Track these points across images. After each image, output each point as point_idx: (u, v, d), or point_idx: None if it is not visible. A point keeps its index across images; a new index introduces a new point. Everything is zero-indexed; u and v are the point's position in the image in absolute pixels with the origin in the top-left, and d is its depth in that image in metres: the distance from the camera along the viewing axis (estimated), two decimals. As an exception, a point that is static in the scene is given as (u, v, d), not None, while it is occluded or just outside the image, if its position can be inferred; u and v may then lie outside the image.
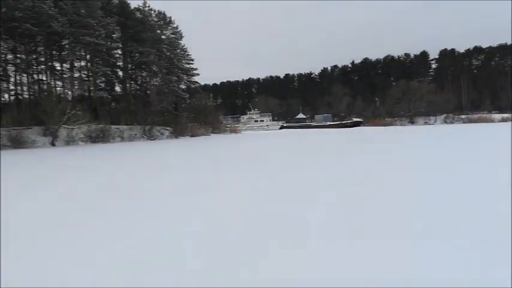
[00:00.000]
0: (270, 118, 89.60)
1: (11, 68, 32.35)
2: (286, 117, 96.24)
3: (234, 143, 27.07)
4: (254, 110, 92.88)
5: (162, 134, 38.99)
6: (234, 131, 60.67)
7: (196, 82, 52.43)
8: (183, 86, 48.80)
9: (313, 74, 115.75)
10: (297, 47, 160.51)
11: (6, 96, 32.71)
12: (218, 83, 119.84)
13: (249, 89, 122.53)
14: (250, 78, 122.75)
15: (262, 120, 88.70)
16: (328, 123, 73.97)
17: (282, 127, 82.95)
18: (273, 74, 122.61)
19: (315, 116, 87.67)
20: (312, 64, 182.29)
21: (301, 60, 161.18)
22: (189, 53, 49.27)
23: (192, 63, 49.95)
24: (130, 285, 2.49)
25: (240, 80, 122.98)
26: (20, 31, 28.67)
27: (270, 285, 2.40)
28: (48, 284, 2.60)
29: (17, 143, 24.82)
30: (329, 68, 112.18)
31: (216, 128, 55.01)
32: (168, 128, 40.33)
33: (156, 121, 37.58)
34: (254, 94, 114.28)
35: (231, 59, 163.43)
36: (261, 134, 50.44)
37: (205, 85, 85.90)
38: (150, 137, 36.49)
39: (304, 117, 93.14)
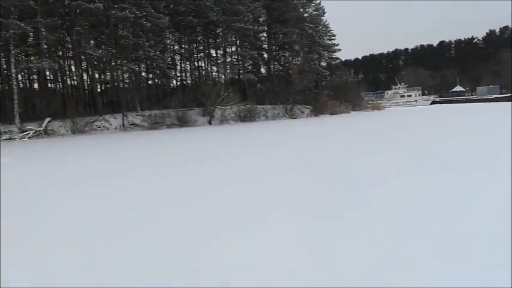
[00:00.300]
0: (419, 92, 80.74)
1: (177, 58, 37.91)
2: (440, 90, 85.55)
3: (370, 120, 25.46)
4: (400, 84, 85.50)
5: (302, 112, 39.91)
6: (376, 107, 57.40)
7: (337, 58, 51.23)
8: (323, 63, 48.36)
9: (476, 39, 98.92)
10: (455, 9, 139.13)
11: (174, 82, 38.52)
12: (360, 57, 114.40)
13: (394, 61, 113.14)
14: (396, 49, 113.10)
15: (410, 95, 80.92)
16: (493, 96, 62.55)
17: (433, 102, 73.25)
18: (424, 43, 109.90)
19: (477, 88, 75.24)
20: (475, 27, 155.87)
21: (459, 25, 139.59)
22: (331, 29, 48.29)
23: (333, 39, 48.92)
24: None
25: (385, 52, 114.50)
26: (184, 24, 32.97)
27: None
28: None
29: (183, 122, 29.05)
30: (497, 31, 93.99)
31: (356, 105, 53.09)
32: (308, 107, 40.98)
33: (297, 100, 38.60)
34: (400, 66, 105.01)
35: (374, 30, 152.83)
36: (406, 111, 46.44)
37: (346, 61, 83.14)
38: (292, 115, 37.80)
39: (463, 89, 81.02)
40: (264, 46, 41.62)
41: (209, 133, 20.78)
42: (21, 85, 27.10)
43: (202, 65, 39.09)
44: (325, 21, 47.20)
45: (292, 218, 3.81)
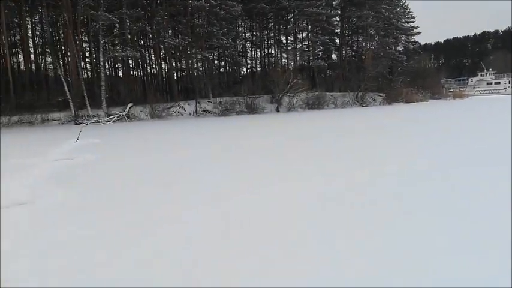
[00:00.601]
0: (510, 80, 72.43)
1: (248, 45, 38.35)
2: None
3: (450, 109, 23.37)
4: (487, 70, 77.30)
5: (374, 100, 38.13)
6: (458, 96, 52.87)
7: (416, 42, 47.74)
8: (400, 48, 45.45)
9: None
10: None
11: (244, 69, 39.16)
12: (441, 40, 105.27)
13: (481, 45, 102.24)
14: (484, 31, 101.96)
15: (498, 83, 72.97)
16: None
17: (526, 90, 65.30)
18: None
19: None
20: None
21: None
22: (410, 10, 45.03)
23: (412, 21, 45.59)
24: None
25: (471, 35, 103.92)
26: (256, 11, 33.13)
27: None
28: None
29: (251, 109, 29.50)
30: None
31: (435, 92, 49.41)
32: (381, 94, 39.03)
33: (369, 87, 36.87)
34: (488, 51, 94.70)
35: (459, 11, 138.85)
36: (494, 99, 41.95)
37: (426, 45, 77.03)
38: (362, 103, 36.32)
39: None
40: (336, 31, 40.23)
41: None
42: (107, 73, 29.53)
43: (272, 52, 39.12)
44: (404, 3, 44.10)
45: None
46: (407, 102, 39.28)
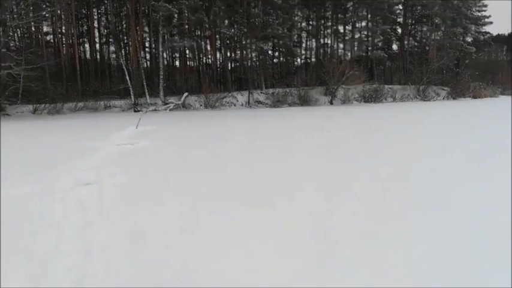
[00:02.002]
0: None
1: (303, 35, 37.49)
2: None
3: None
4: None
5: (437, 94, 35.62)
6: (533, 92, 47.91)
7: (487, 33, 43.63)
8: (469, 39, 41.86)
9: None
10: None
11: (298, 60, 38.43)
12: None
13: None
14: None
15: None
16: None
17: None
18: None
19: None
20: None
21: None
22: (482, -2, 41.23)
23: (484, 10, 41.73)
24: None
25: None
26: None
27: None
28: None
29: (304, 101, 28.87)
30: None
31: (507, 88, 45.24)
32: (445, 88, 36.37)
33: (433, 80, 34.51)
34: None
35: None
36: None
37: (498, 36, 70.27)
38: (424, 97, 34.08)
39: None
40: (399, 20, 37.96)
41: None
42: (165, 62, 30.40)
43: (329, 42, 37.90)
44: (477, -11, 40.46)
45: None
46: (474, 97, 36.28)
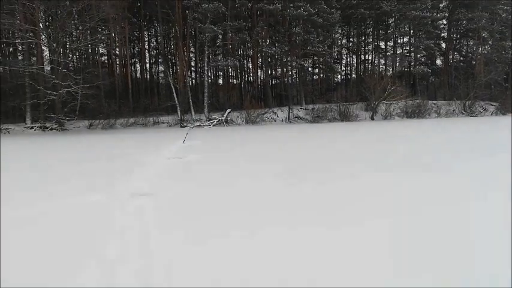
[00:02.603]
0: None
1: (343, 51, 37.74)
2: None
3: None
4: None
5: (485, 109, 34.14)
6: None
7: (539, 45, 41.44)
8: (519, 52, 39.97)
9: None
10: None
11: (338, 76, 38.60)
12: None
13: None
14: None
15: None
16: None
17: None
18: None
19: None
20: None
21: None
22: (534, 9, 39.29)
23: (537, 22, 39.75)
24: None
25: None
26: (355, 17, 32.48)
27: None
28: None
29: (344, 117, 28.88)
30: None
31: None
32: (494, 103, 34.82)
33: (480, 95, 33.23)
34: None
35: None
36: None
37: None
38: (471, 113, 32.81)
39: None
40: (443, 34, 37.15)
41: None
42: (209, 80, 31.81)
43: (369, 58, 37.81)
44: (527, 0, 38.69)
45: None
46: (526, 113, 34.37)
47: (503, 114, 33.67)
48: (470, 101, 33.01)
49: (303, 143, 13.29)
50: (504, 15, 36.02)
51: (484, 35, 36.16)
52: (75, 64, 28.57)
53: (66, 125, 23.03)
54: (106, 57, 32.90)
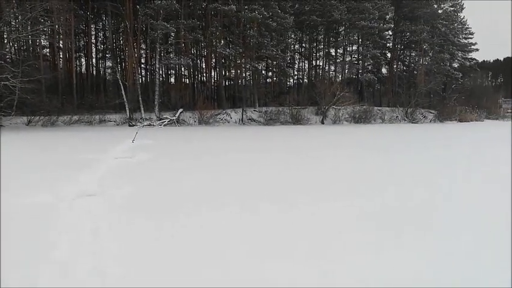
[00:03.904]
0: None
1: (296, 56, 38.54)
2: None
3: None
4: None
5: (425, 117, 36.68)
6: (517, 117, 49.40)
7: (473, 59, 45.36)
8: (455, 65, 43.45)
9: None
10: None
11: (291, 80, 39.35)
12: (501, 58, 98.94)
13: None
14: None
15: None
16: None
17: None
18: None
19: None
20: None
21: None
22: (469, 26, 43.01)
23: (470, 37, 43.49)
24: None
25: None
26: (307, 23, 33.29)
27: None
28: None
29: (296, 120, 29.50)
30: None
31: (492, 113, 46.66)
32: (432, 111, 37.51)
33: (420, 103, 35.68)
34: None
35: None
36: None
37: (484, 62, 72.70)
38: (412, 120, 35.07)
39: None
40: (388, 45, 39.33)
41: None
42: (161, 79, 30.90)
43: (320, 64, 38.99)
44: (463, 18, 42.22)
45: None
46: (460, 121, 37.38)
47: (441, 121, 36.37)
48: (411, 109, 35.27)
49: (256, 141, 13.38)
50: (443, 29, 38.98)
51: (425, 47, 38.85)
52: (14, 56, 26.36)
53: (2, 121, 21.15)
54: (48, 49, 30.73)
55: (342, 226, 3.71)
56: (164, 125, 24.82)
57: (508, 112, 52.56)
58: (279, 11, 28.69)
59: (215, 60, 31.60)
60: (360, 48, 36.93)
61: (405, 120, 35.05)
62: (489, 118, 44.29)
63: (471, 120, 38.59)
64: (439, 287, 2.28)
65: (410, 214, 3.98)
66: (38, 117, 22.28)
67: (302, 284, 2.53)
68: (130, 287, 2.38)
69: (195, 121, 26.66)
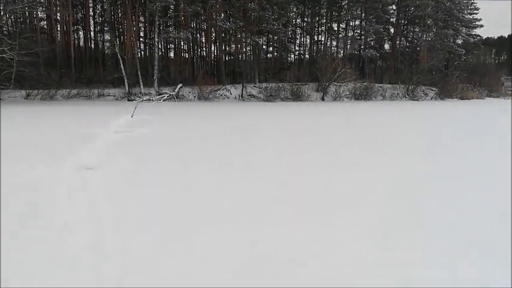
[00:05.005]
0: None
1: (298, 31, 37.85)
2: None
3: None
4: (556, 69, 70.64)
5: (426, 94, 36.40)
6: (519, 95, 49.10)
7: (477, 35, 44.62)
8: (459, 41, 42.74)
9: None
10: None
11: (292, 56, 38.83)
12: (505, 35, 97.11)
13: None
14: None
15: None
16: None
17: None
18: None
19: None
20: None
21: None
22: (474, 1, 42.04)
23: (476, 13, 42.59)
24: None
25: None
26: (309, -4, 32.59)
27: None
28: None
29: (296, 96, 29.32)
30: None
31: (494, 90, 46.28)
32: (433, 89, 37.19)
33: (422, 80, 35.30)
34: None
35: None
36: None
37: (488, 39, 71.32)
38: (413, 97, 34.81)
39: None
40: (392, 20, 38.55)
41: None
42: (160, 53, 30.50)
43: (322, 39, 38.36)
44: (469, -8, 41.23)
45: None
46: (461, 98, 37.14)
47: (442, 99, 36.14)
48: (413, 86, 34.95)
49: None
50: (448, 4, 38.08)
51: (429, 22, 38.08)
52: (10, 28, 25.93)
53: (0, 94, 21.04)
54: (46, 22, 30.17)
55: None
56: (163, 100, 24.71)
57: (509, 90, 52.16)
58: (281, -16, 28.01)
59: (215, 35, 31.08)
60: (363, 23, 36.22)
61: (406, 97, 34.82)
62: (490, 96, 44.01)
63: (472, 98, 38.35)
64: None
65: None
66: (36, 91, 22.16)
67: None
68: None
69: (195, 97, 26.51)
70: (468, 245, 2.80)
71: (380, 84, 34.88)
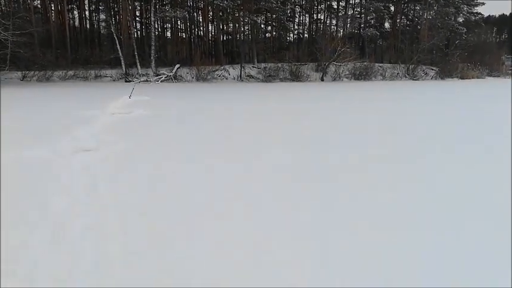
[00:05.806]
0: None
1: (297, 9, 37.14)
2: None
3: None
4: (557, 47, 69.90)
5: (426, 74, 36.08)
6: (519, 74, 48.70)
7: (478, 13, 43.85)
8: (460, 19, 42.04)
9: None
10: None
11: (291, 35, 38.24)
12: (507, 13, 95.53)
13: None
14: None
15: None
16: None
17: None
18: None
19: None
20: None
21: None
22: (477, -22, 41.12)
23: (478, -10, 41.77)
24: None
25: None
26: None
27: None
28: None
29: (295, 77, 29.07)
30: None
31: (494, 70, 45.86)
32: (434, 68, 36.84)
33: (422, 60, 34.90)
34: None
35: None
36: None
37: (489, 17, 70.20)
38: (413, 76, 34.52)
39: None
40: (393, -4, 37.80)
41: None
42: (157, 33, 29.98)
43: (322, 17, 37.70)
44: (471, -32, 40.26)
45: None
46: (462, 78, 36.83)
47: (442, 78, 35.85)
48: (413, 65, 34.58)
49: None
50: (450, -20, 37.27)
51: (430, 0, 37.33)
52: (3, 8, 25.39)
53: (-4, 75, 20.82)
54: (39, 1, 29.51)
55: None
56: (161, 81, 24.48)
57: (510, 69, 51.74)
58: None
59: (212, 13, 30.50)
60: (363, 1, 35.53)
61: (406, 77, 34.52)
62: (491, 75, 43.66)
63: (472, 78, 38.05)
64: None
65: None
66: (32, 72, 21.92)
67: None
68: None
69: (193, 77, 26.24)
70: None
71: (380, 64, 34.50)
